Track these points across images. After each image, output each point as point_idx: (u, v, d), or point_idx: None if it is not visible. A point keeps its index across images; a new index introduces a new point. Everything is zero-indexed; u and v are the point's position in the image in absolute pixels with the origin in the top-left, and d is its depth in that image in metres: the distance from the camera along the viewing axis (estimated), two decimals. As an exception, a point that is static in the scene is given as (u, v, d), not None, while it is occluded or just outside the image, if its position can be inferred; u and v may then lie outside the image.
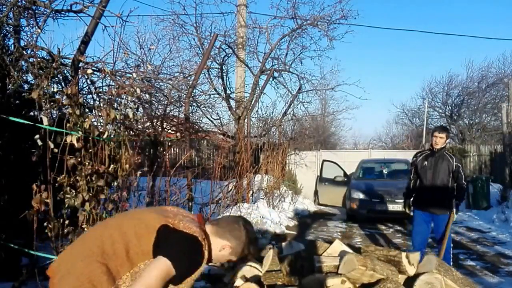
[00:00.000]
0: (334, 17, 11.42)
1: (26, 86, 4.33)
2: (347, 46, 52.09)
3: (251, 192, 9.84)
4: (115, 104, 3.94)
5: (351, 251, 4.29)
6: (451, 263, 4.83)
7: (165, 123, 7.37)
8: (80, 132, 3.41)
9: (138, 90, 3.90)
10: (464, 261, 6.14)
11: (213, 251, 1.94)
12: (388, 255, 4.02)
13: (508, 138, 12.01)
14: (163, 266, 1.70)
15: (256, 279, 3.91)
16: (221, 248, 1.94)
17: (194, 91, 8.55)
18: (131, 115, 3.87)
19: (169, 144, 6.80)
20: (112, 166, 3.58)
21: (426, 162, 5.05)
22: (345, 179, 12.79)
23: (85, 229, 3.39)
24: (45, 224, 3.37)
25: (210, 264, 2.01)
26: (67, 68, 4.52)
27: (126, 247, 1.77)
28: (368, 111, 49.10)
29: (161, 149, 6.34)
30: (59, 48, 4.36)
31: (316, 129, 21.51)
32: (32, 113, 4.26)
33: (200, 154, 14.35)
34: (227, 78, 11.92)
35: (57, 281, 1.76)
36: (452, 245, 5.11)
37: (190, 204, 6.14)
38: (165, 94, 7.19)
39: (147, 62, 7.60)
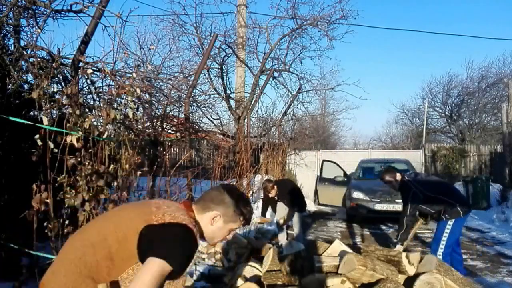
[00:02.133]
0: (334, 17, 11.46)
1: (26, 86, 4.33)
2: (347, 46, 52.21)
3: (251, 192, 9.85)
4: (115, 104, 3.94)
5: (351, 251, 4.29)
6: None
7: (165, 123, 7.37)
8: (80, 132, 3.41)
9: (138, 90, 3.90)
10: (464, 261, 6.13)
11: (206, 229, 1.85)
12: (388, 255, 4.02)
13: (508, 138, 12.02)
14: (155, 267, 1.59)
15: (256, 279, 3.92)
16: (211, 221, 1.85)
17: (194, 91, 8.55)
18: (131, 115, 3.86)
19: (169, 144, 6.80)
20: (112, 166, 3.57)
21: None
22: (345, 179, 12.78)
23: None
24: (45, 224, 3.37)
25: (210, 249, 1.92)
26: (67, 68, 4.52)
27: (109, 254, 1.67)
28: (368, 111, 49.02)
29: (161, 149, 6.33)
30: (59, 48, 4.37)
31: (316, 129, 21.51)
32: (32, 113, 4.26)
33: (200, 154, 14.35)
34: (227, 78, 11.95)
35: None
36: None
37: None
38: (165, 94, 7.19)
39: (147, 62, 7.60)
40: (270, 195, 6.00)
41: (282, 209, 6.19)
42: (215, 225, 1.85)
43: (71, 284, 1.65)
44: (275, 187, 5.89)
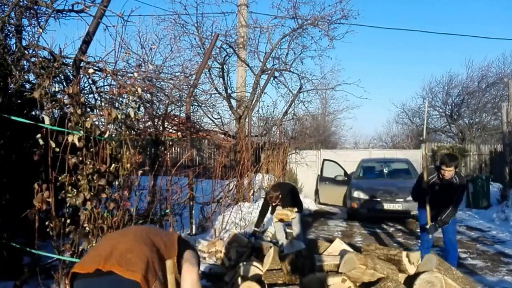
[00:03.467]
0: (335, 17, 11.43)
1: (28, 86, 4.34)
2: (347, 46, 51.87)
3: (252, 191, 9.86)
4: (117, 103, 3.95)
5: (351, 250, 4.31)
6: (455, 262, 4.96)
7: (166, 123, 7.39)
8: (82, 132, 3.42)
9: (139, 90, 3.92)
10: (464, 260, 6.15)
11: None
12: (389, 254, 4.03)
13: (508, 137, 12.02)
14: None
15: (257, 278, 3.93)
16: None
17: (195, 90, 8.55)
18: (132, 115, 3.87)
19: (170, 143, 6.81)
20: (113, 165, 3.59)
21: (436, 187, 5.02)
22: (346, 179, 12.80)
23: (86, 228, 3.41)
24: (46, 223, 3.39)
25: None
26: (69, 67, 4.54)
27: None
28: (369, 111, 49.14)
29: (162, 148, 6.35)
30: (60, 48, 4.38)
31: (316, 128, 21.49)
32: (34, 113, 4.28)
33: (201, 154, 14.36)
34: (228, 78, 11.95)
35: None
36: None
37: (191, 203, 6.15)
38: (166, 93, 7.21)
39: (148, 62, 7.61)
40: (273, 204, 5.89)
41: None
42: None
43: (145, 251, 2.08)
44: (280, 196, 5.76)
